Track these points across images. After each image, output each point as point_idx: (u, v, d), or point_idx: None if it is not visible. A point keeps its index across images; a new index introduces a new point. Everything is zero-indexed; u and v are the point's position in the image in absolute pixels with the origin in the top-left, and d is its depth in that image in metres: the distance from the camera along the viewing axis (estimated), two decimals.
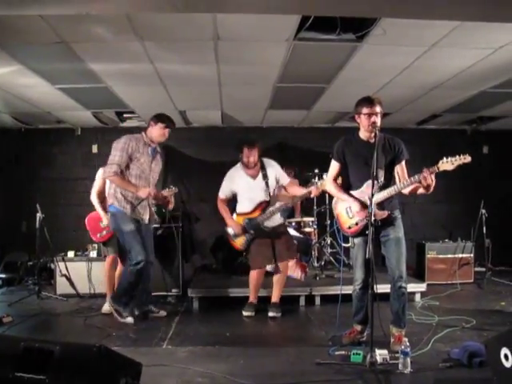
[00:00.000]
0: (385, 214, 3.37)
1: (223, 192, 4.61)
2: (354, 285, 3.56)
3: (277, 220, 4.57)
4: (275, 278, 4.61)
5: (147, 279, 4.38)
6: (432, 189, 3.21)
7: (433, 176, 3.14)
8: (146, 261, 4.13)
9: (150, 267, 4.34)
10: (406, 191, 3.37)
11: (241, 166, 4.58)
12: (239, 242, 4.56)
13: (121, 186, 4.17)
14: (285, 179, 4.64)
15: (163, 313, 4.56)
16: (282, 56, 4.20)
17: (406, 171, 3.51)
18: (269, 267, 4.72)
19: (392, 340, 3.41)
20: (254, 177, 4.54)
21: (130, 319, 4.22)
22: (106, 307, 4.62)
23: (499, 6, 3.03)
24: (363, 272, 3.46)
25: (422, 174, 3.15)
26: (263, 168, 4.54)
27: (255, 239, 4.50)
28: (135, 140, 4.25)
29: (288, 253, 4.60)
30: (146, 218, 4.34)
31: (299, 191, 4.48)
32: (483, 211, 6.05)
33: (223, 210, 4.61)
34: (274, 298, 4.59)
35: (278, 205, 4.51)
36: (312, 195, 4.38)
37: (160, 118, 4.33)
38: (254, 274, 4.58)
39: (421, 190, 3.30)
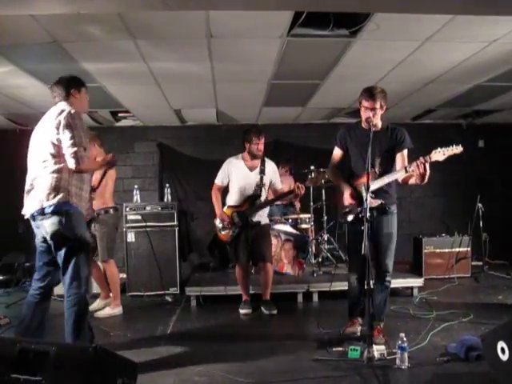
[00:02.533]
0: (377, 202, 3.36)
1: (219, 178, 4.60)
2: (350, 279, 3.58)
3: (264, 218, 4.58)
4: (260, 278, 4.60)
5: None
6: (426, 179, 3.17)
7: (427, 165, 3.11)
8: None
9: None
10: (399, 178, 3.37)
11: (241, 157, 4.57)
12: (226, 235, 4.57)
13: (93, 169, 3.48)
14: (278, 184, 4.66)
15: None
16: (275, 53, 4.19)
17: (406, 160, 3.46)
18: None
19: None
20: (251, 169, 4.53)
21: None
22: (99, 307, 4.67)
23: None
24: (359, 266, 3.46)
25: (416, 162, 3.14)
26: (263, 164, 4.55)
27: (240, 234, 4.50)
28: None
29: (268, 254, 4.58)
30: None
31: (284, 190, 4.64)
32: (480, 205, 6.07)
33: (215, 199, 4.60)
34: (264, 296, 4.59)
35: (264, 199, 4.53)
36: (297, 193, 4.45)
37: (77, 80, 3.28)
38: (238, 270, 4.60)
39: (412, 180, 3.28)
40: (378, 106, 3.32)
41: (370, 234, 3.28)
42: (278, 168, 4.80)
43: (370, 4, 3.11)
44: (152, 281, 5.29)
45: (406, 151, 3.48)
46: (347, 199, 3.43)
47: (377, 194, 3.35)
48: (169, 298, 5.21)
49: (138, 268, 5.32)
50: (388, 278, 3.46)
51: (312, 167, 5.85)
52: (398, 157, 3.47)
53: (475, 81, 5.22)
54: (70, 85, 3.16)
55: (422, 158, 3.12)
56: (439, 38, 3.87)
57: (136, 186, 5.76)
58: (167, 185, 6.24)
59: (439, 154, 3.11)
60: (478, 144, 7.62)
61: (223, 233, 4.57)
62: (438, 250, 6.06)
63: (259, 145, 4.45)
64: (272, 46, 4.01)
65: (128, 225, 5.35)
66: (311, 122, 7.39)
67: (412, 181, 3.30)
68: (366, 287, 3.03)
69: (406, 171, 3.23)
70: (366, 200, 3.11)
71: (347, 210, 3.48)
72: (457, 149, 3.10)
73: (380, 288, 3.45)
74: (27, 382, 2.16)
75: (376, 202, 3.35)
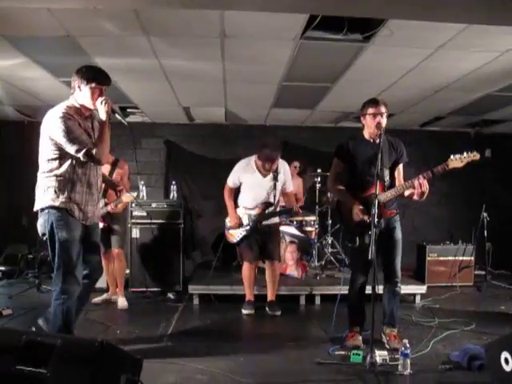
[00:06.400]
0: (393, 212, 3.43)
1: (232, 180, 4.57)
2: (354, 285, 3.56)
3: (274, 219, 4.60)
4: (267, 276, 4.62)
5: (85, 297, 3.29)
6: (425, 197, 3.22)
7: (426, 183, 3.17)
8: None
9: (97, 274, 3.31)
10: (406, 193, 3.38)
11: (254, 160, 4.50)
12: (234, 235, 4.57)
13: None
14: (289, 186, 4.67)
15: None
16: (288, 55, 4.19)
17: (402, 174, 3.59)
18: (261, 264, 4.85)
19: (387, 339, 3.47)
20: (264, 175, 4.50)
21: None
22: (122, 303, 4.71)
23: (506, 9, 3.03)
24: (364, 272, 3.47)
25: (418, 181, 3.17)
26: (276, 169, 4.48)
27: (248, 235, 4.51)
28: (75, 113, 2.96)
29: (277, 253, 4.62)
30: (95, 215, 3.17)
31: (289, 202, 4.77)
32: (485, 214, 6.06)
33: (228, 200, 4.60)
34: (270, 297, 4.61)
35: (278, 208, 4.59)
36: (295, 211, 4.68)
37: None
38: (245, 270, 4.60)
39: (414, 197, 3.29)
40: (383, 110, 3.39)
41: (380, 243, 3.31)
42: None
43: (385, 10, 3.12)
44: (155, 277, 5.30)
45: (402, 165, 3.59)
46: (358, 214, 3.35)
47: (387, 204, 3.39)
48: (171, 296, 5.22)
49: (142, 264, 5.33)
50: (399, 285, 3.50)
51: (319, 170, 5.86)
52: (397, 170, 3.56)
53: (485, 90, 5.22)
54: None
55: (421, 177, 3.17)
56: (452, 46, 3.88)
57: (142, 182, 5.77)
58: (173, 182, 6.25)
59: (457, 162, 3.12)
60: (484, 153, 7.59)
61: (231, 232, 4.58)
62: (441, 258, 6.05)
63: (273, 166, 4.39)
64: (285, 47, 4.02)
65: (133, 221, 5.36)
66: (319, 125, 7.39)
67: (414, 197, 3.30)
68: (371, 292, 3.04)
69: (411, 185, 3.25)
70: (375, 205, 3.11)
71: (358, 229, 3.43)
72: (474, 155, 3.12)
73: (392, 294, 3.49)
74: (32, 374, 2.16)
75: (392, 213, 3.42)
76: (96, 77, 2.96)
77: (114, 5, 3.07)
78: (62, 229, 2.92)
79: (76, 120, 2.91)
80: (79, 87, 2.95)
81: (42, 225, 3.00)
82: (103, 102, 2.92)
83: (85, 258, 3.11)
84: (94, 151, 2.86)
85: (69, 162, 2.92)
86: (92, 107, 2.99)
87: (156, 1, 2.99)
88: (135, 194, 4.74)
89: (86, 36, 3.80)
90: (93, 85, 2.93)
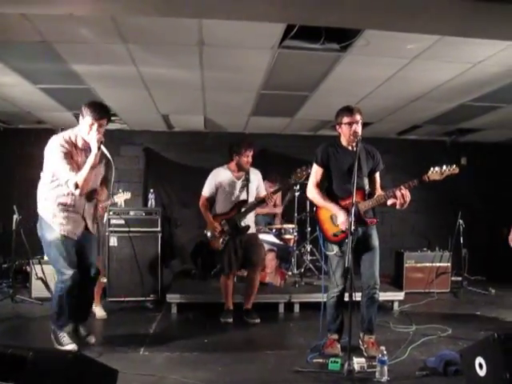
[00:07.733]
0: (373, 220, 3.46)
1: (207, 190, 4.59)
2: (332, 292, 3.56)
3: (251, 224, 4.61)
4: (247, 284, 4.63)
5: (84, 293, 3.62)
6: (406, 205, 3.29)
7: (408, 193, 3.24)
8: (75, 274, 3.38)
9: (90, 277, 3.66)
10: (389, 202, 3.42)
11: (227, 167, 4.62)
12: (217, 243, 4.55)
13: None
14: (262, 191, 4.71)
15: (92, 339, 3.69)
16: (266, 63, 4.22)
17: (379, 182, 3.63)
18: (240, 272, 4.86)
19: (365, 346, 3.48)
20: (237, 178, 4.59)
21: (70, 346, 3.31)
22: (100, 313, 4.62)
23: (478, 23, 3.11)
24: (343, 280, 3.48)
25: (399, 191, 3.22)
26: (247, 173, 4.60)
27: (230, 242, 4.50)
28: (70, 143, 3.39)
29: (258, 260, 4.62)
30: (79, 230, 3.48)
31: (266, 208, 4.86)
32: (460, 221, 6.17)
33: (205, 211, 4.60)
34: (247, 305, 4.60)
35: (251, 203, 4.57)
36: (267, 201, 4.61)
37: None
38: (223, 279, 4.59)
39: (397, 206, 3.35)
40: (359, 118, 3.42)
41: (358, 251, 3.33)
42: (264, 182, 4.87)
43: (363, 20, 3.16)
44: (133, 286, 5.23)
45: (378, 173, 3.64)
46: (343, 224, 3.36)
47: (367, 212, 3.42)
48: (149, 305, 5.15)
49: (119, 273, 5.26)
50: (378, 291, 3.51)
51: None
52: (374, 178, 3.60)
53: (459, 100, 5.33)
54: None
55: (403, 188, 3.23)
56: (427, 56, 3.95)
57: (120, 190, 5.70)
58: (151, 190, 6.20)
59: (436, 174, 3.20)
60: (460, 161, 7.75)
61: (214, 241, 4.56)
62: (418, 265, 6.12)
63: (249, 157, 4.52)
64: (263, 56, 4.04)
65: (111, 229, 5.29)
66: (298, 133, 7.44)
67: (396, 206, 3.36)
68: (348, 299, 3.05)
69: (391, 195, 3.31)
70: (351, 213, 3.14)
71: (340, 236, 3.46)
72: (454, 169, 3.21)
73: (371, 301, 3.51)
74: None
75: (373, 221, 3.47)
76: (93, 113, 3.29)
77: (89, 12, 3.03)
78: (47, 229, 3.36)
79: (70, 151, 3.31)
80: (80, 120, 3.36)
81: (38, 226, 3.45)
82: (93, 139, 3.26)
83: (83, 263, 3.51)
84: (72, 182, 3.21)
85: (60, 180, 3.32)
86: (88, 140, 3.34)
87: (133, 9, 2.96)
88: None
89: (62, 42, 3.75)
90: (89, 120, 3.28)
